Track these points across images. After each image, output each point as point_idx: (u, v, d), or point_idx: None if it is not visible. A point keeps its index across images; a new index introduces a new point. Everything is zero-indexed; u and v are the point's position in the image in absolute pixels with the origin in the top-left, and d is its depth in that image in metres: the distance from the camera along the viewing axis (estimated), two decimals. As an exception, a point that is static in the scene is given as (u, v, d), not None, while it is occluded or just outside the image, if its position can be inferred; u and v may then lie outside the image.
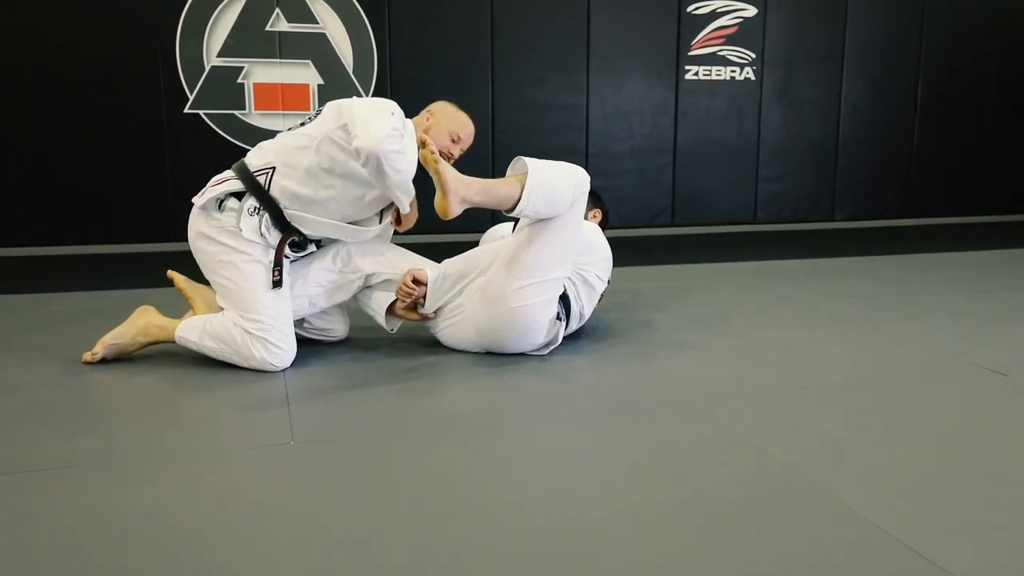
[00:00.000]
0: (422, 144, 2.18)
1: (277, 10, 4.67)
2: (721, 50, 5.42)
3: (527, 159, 2.29)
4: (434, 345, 2.59)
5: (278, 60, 4.71)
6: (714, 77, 5.44)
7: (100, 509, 1.48)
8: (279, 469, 1.69)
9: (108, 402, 2.09)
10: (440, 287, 2.46)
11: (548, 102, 5.18)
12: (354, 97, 2.42)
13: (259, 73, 4.70)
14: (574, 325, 2.62)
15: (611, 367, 2.42)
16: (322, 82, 4.80)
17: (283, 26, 4.69)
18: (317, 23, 4.74)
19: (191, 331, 2.36)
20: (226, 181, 2.35)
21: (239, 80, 4.68)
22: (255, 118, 4.71)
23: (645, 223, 5.49)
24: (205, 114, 4.66)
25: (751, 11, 5.43)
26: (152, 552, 1.34)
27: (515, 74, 5.10)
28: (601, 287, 2.66)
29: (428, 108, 2.65)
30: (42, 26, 4.39)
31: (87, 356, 2.35)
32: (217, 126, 4.67)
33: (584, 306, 2.60)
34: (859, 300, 3.32)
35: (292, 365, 2.37)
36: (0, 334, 2.76)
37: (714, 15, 5.37)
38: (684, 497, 1.53)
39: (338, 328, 2.64)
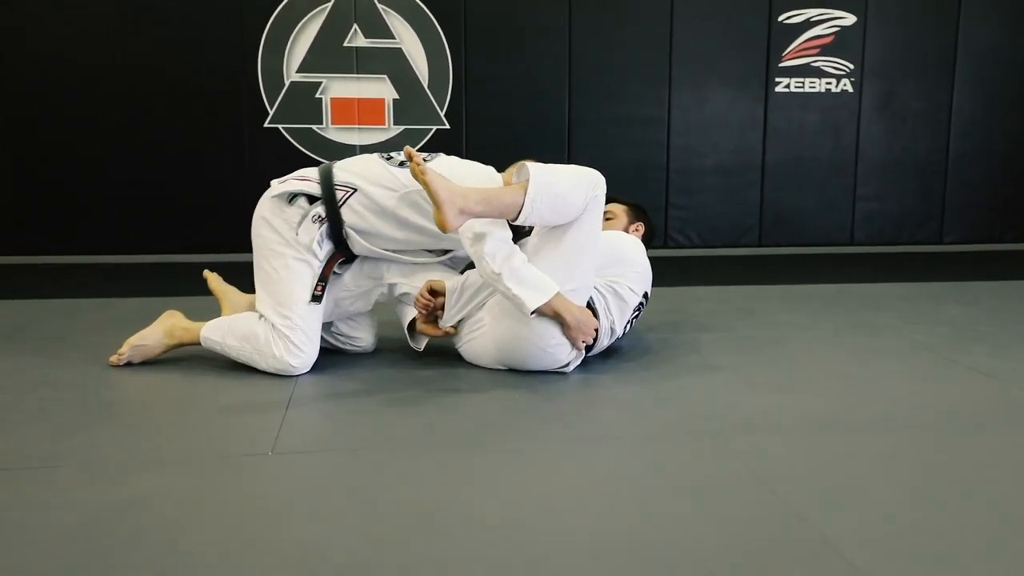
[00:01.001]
0: (409, 157, 2.10)
1: (355, 26, 4.76)
2: (815, 61, 5.14)
3: (531, 164, 2.19)
4: (457, 360, 2.51)
5: (355, 75, 4.79)
6: (807, 89, 5.16)
7: (43, 511, 1.48)
8: (240, 480, 1.65)
9: (114, 403, 2.12)
10: (459, 299, 2.38)
11: (627, 116, 5.05)
12: (467, 162, 2.44)
13: (336, 88, 4.79)
14: (604, 341, 2.48)
15: (632, 388, 2.28)
16: (397, 97, 4.85)
17: (360, 41, 4.77)
18: (393, 38, 4.80)
19: (215, 331, 2.38)
20: (307, 181, 2.38)
21: (317, 95, 4.78)
22: (331, 132, 4.80)
23: (729, 243, 5.25)
24: (284, 128, 4.79)
25: (849, 19, 5.13)
26: (63, 559, 1.31)
27: (593, 87, 4.99)
28: (634, 300, 2.52)
29: (513, 166, 2.47)
30: (135, 46, 4.62)
31: (113, 359, 2.41)
32: (295, 140, 4.78)
33: (615, 321, 2.46)
34: (947, 329, 3.02)
35: (309, 371, 2.35)
36: (56, 334, 2.87)
37: (808, 24, 5.11)
38: (673, 538, 1.39)
39: (365, 338, 2.61)
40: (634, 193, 5.08)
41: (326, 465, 1.73)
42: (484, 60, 4.91)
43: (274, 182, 2.43)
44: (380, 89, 4.84)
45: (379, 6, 4.77)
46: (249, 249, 2.41)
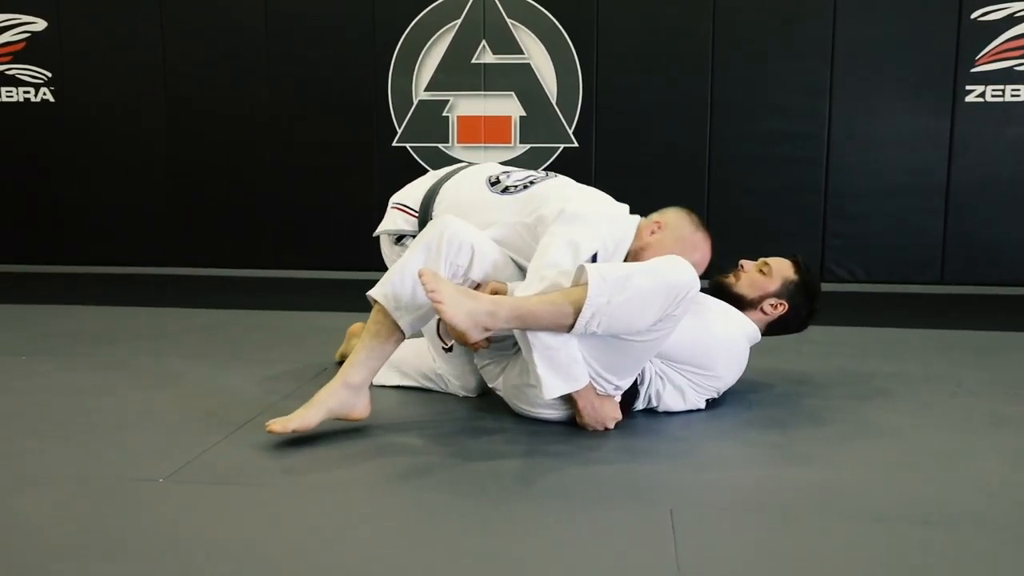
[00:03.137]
0: (420, 275, 1.90)
1: (484, 42, 4.71)
2: (1020, 64, 4.34)
3: (592, 268, 1.88)
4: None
5: (482, 92, 4.74)
6: (1008, 99, 4.38)
7: None
8: (97, 508, 1.58)
9: (98, 410, 2.16)
10: None
11: (778, 132, 4.56)
12: (584, 188, 2.32)
13: (463, 106, 4.77)
14: (640, 405, 2.20)
15: (640, 440, 1.98)
16: (524, 114, 4.73)
17: (488, 58, 4.71)
18: (522, 53, 4.70)
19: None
20: (406, 212, 2.37)
21: (444, 113, 4.79)
22: (457, 151, 4.78)
23: (901, 279, 4.56)
24: (411, 147, 4.84)
25: (1066, 13, 4.29)
26: None
27: (737, 99, 4.57)
28: (696, 402, 2.21)
29: (660, 216, 2.32)
30: (277, 68, 4.88)
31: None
32: (421, 159, 4.81)
33: (660, 403, 2.18)
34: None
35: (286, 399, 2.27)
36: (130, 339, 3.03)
37: (1010, 20, 4.34)
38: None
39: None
40: (783, 219, 4.63)
41: (211, 499, 1.63)
42: (617, 73, 4.66)
43: (391, 200, 2.43)
44: (507, 106, 4.74)
45: (508, 21, 4.69)
46: (379, 267, 2.37)
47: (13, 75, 5.12)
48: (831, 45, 4.48)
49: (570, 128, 4.72)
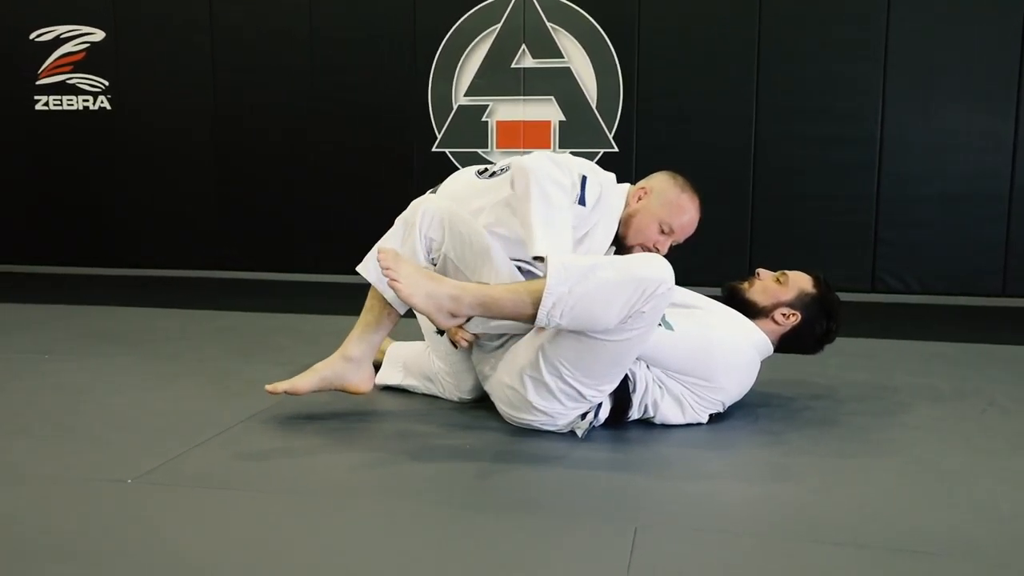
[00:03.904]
0: (378, 253, 1.89)
1: (523, 46, 4.68)
2: (1091, 62, 4.08)
3: (553, 256, 1.84)
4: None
5: (521, 97, 4.71)
6: (1078, 99, 4.11)
7: None
8: (56, 508, 1.60)
9: (96, 410, 2.20)
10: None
11: (827, 135, 4.39)
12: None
13: (502, 111, 4.75)
14: (634, 414, 2.13)
15: (625, 451, 1.91)
16: (563, 119, 4.68)
17: (528, 62, 4.68)
18: (562, 57, 4.65)
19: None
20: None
21: (483, 118, 4.77)
22: (496, 156, 4.77)
23: (959, 291, 4.33)
24: (451, 152, 4.84)
25: None
26: None
27: (784, 101, 4.42)
28: (697, 416, 2.13)
29: (646, 181, 2.35)
30: (319, 76, 4.95)
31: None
32: (461, 164, 4.80)
33: (655, 409, 2.10)
34: None
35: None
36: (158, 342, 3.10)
37: (1081, 16, 4.08)
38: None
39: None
40: (832, 228, 4.45)
41: (167, 500, 1.63)
42: (658, 76, 4.57)
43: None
44: (546, 111, 4.70)
45: (548, 24, 4.65)
46: None
47: (74, 84, 5.33)
48: (884, 43, 4.29)
49: (610, 132, 4.65)
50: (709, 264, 3.89)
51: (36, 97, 5.35)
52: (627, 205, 2.27)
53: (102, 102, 5.29)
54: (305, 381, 2.07)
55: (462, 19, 4.75)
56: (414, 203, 2.14)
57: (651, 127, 4.60)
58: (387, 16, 4.85)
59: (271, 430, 2.07)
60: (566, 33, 4.64)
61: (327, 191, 5.02)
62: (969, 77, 4.23)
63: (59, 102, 5.33)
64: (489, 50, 4.74)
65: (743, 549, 1.50)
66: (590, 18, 4.61)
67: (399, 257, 1.86)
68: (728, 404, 2.18)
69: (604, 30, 4.60)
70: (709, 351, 2.10)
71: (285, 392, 2.06)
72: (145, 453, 1.87)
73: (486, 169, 2.33)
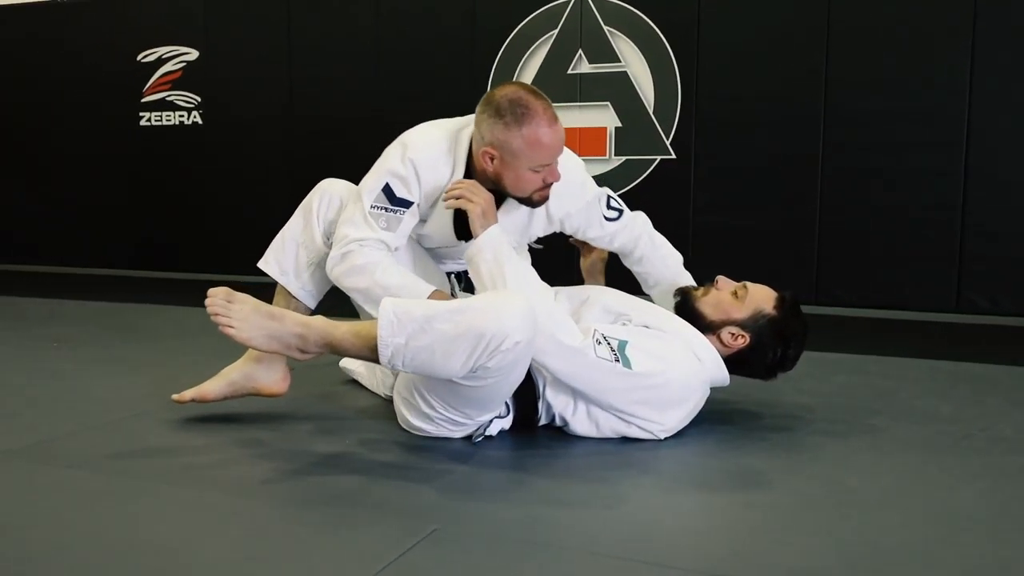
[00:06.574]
0: (207, 297, 1.79)
1: (580, 52, 4.58)
2: None
3: (384, 306, 1.71)
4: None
5: (577, 103, 4.61)
6: None
7: None
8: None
9: (57, 396, 2.32)
10: None
11: (902, 138, 4.00)
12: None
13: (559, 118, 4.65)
14: (542, 420, 2.00)
15: (540, 478, 1.80)
16: (620, 124, 4.54)
17: (584, 68, 4.59)
18: (619, 61, 4.51)
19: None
20: None
21: (540, 126, 4.69)
22: (552, 165, 4.67)
23: (1060, 312, 3.81)
24: (508, 161, 4.79)
25: None
26: None
27: (855, 103, 4.07)
28: (613, 433, 1.97)
29: (479, 132, 2.09)
30: (384, 84, 5.06)
31: None
32: (517, 173, 4.75)
33: (568, 425, 1.97)
34: None
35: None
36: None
37: None
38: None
39: None
40: (911, 241, 4.04)
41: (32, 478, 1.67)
42: (719, 79, 4.34)
43: None
44: (602, 117, 4.58)
45: (605, 28, 4.53)
46: None
47: (172, 100, 5.73)
48: (971, 36, 3.87)
49: (668, 139, 4.45)
50: (771, 283, 3.62)
51: (141, 113, 5.80)
52: (476, 165, 2.09)
53: (195, 117, 5.65)
54: (213, 387, 2.03)
55: (521, 24, 4.72)
56: (315, 188, 2.13)
57: (711, 132, 4.37)
58: (447, 22, 4.90)
59: (171, 424, 2.06)
60: (623, 36, 4.51)
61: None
62: (1073, 70, 3.74)
63: (159, 118, 5.74)
64: (546, 56, 4.68)
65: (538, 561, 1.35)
66: (647, 20, 4.45)
67: (233, 296, 1.72)
68: (664, 435, 1.97)
69: (662, 32, 4.43)
70: (666, 398, 1.92)
71: (192, 400, 2.03)
72: (29, 431, 1.94)
73: None
